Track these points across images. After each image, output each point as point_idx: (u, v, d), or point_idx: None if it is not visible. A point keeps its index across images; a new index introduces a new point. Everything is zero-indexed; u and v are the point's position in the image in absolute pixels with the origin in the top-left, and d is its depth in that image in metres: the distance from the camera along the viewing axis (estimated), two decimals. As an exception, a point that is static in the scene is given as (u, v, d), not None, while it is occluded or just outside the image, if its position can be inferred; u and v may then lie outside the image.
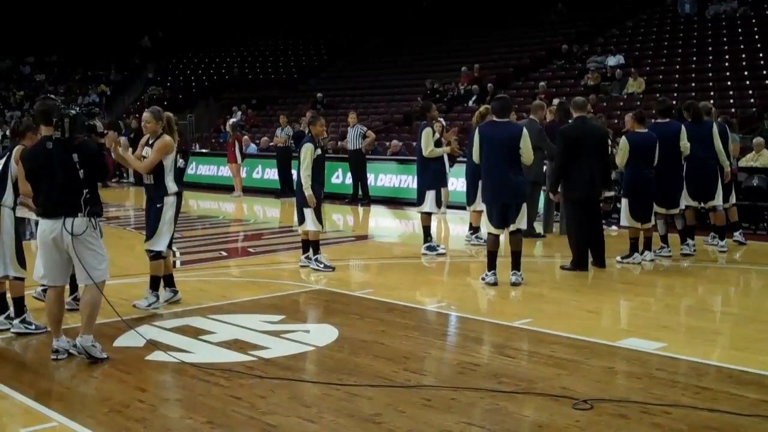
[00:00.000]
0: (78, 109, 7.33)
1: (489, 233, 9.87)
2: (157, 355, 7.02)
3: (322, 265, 10.67)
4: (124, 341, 7.42)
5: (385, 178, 20.06)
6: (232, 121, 24.70)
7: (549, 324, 7.91)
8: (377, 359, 6.92)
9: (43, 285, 8.50)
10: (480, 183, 10.34)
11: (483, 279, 9.81)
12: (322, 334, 7.71)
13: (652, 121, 11.52)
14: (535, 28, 31.83)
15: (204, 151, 27.82)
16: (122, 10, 41.19)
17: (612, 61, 25.04)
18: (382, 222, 17.66)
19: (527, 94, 24.32)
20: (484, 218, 10.04)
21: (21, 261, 7.92)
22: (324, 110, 28.49)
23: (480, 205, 10.98)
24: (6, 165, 7.86)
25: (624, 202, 11.16)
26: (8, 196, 7.84)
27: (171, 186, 8.52)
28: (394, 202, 19.18)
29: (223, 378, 6.41)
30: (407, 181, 19.26)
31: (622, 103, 21.79)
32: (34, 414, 5.83)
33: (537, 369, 6.59)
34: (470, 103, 26.13)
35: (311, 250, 10.81)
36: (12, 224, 7.87)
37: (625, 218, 11.17)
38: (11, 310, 8.05)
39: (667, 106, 11.72)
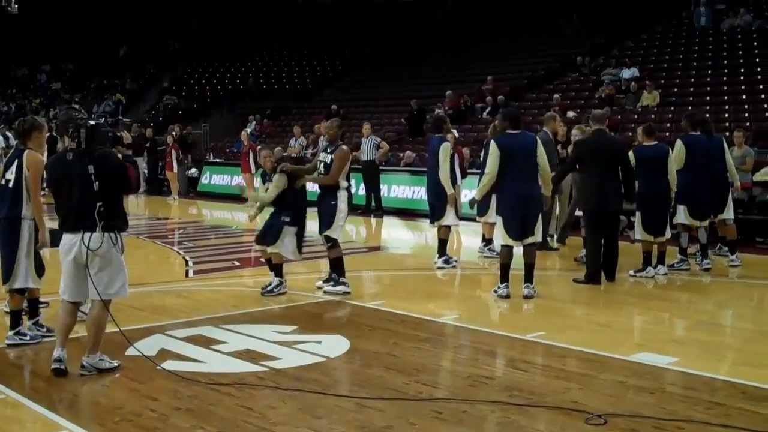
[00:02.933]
0: (103, 119, 7.20)
1: (503, 246, 9.83)
2: (169, 364, 7.02)
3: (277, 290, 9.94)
4: (136, 350, 7.41)
5: (398, 189, 20.07)
6: (247, 130, 24.79)
7: (561, 337, 7.88)
8: (389, 371, 6.91)
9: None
10: (494, 195, 10.36)
11: (495, 291, 9.79)
12: (333, 345, 7.70)
13: (696, 133, 11.59)
14: (549, 40, 31.80)
15: (218, 160, 27.89)
16: (139, 20, 41.41)
17: (627, 73, 24.97)
18: (395, 233, 17.65)
19: (541, 106, 24.28)
20: (499, 230, 9.91)
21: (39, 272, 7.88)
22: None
23: (492, 217, 10.96)
24: (19, 174, 7.57)
25: (637, 215, 11.13)
26: (26, 208, 7.62)
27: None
28: (407, 213, 19.18)
29: (234, 388, 6.41)
30: (420, 192, 19.23)
31: (636, 116, 21.73)
32: (46, 422, 5.84)
33: (549, 382, 6.57)
34: (484, 114, 26.13)
35: (276, 272, 10.03)
36: (31, 237, 7.67)
37: (638, 231, 11.13)
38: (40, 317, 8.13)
39: (699, 119, 11.84)
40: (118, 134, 8.42)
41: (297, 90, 36.95)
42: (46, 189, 7.35)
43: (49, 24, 41.19)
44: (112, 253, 6.72)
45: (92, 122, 6.83)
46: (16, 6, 40.13)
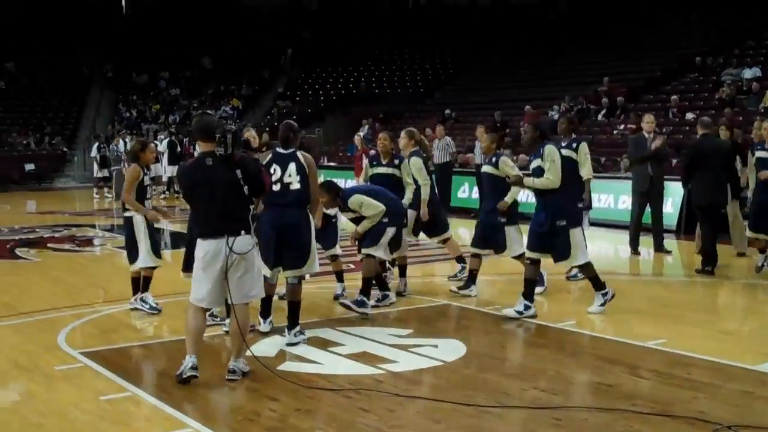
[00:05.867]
0: (234, 124, 7.27)
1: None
2: (288, 365, 7.12)
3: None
4: (257, 351, 7.49)
5: (511, 192, 19.85)
6: (360, 134, 24.95)
7: (684, 345, 7.67)
8: (506, 376, 6.85)
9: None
10: None
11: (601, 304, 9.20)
12: (449, 349, 7.67)
13: None
14: (667, 40, 31.07)
15: (332, 164, 28.21)
16: (254, 29, 42.23)
17: (748, 73, 24.21)
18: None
19: (659, 108, 23.77)
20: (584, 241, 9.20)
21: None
22: (452, 123, 28.56)
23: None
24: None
25: None
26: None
27: None
28: (521, 217, 18.93)
29: (352, 390, 6.45)
30: (532, 196, 19.09)
31: (758, 117, 21.00)
32: (171, 419, 5.98)
33: (672, 391, 6.40)
34: (599, 116, 25.72)
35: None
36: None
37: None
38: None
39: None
40: (246, 138, 8.52)
41: (409, 93, 37.11)
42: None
43: (168, 33, 42.38)
44: (254, 254, 6.77)
45: (233, 127, 6.81)
46: (126, 7, 41.61)
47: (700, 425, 5.55)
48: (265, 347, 7.70)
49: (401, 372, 6.96)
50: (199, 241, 6.73)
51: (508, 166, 10.08)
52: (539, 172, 8.91)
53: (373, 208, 9.08)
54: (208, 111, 7.77)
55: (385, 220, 9.10)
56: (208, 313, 8.22)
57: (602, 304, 9.05)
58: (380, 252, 9.18)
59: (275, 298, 8.79)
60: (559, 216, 8.84)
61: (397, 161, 10.09)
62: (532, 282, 8.99)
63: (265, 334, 8.20)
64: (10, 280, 12.15)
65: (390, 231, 9.14)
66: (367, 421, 5.80)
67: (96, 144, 29.41)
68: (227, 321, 7.72)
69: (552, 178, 8.79)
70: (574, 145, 10.81)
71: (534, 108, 27.47)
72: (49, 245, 15.66)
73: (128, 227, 9.42)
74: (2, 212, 24.15)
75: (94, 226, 19.88)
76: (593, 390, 6.45)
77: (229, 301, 6.78)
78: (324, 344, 7.87)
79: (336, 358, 7.45)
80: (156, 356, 7.89)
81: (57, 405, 6.32)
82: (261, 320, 8.35)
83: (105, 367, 7.22)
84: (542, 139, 9.08)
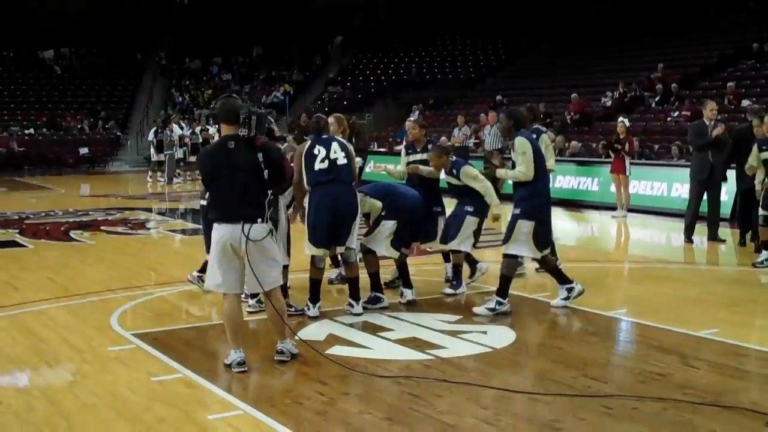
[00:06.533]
0: (262, 109, 7.29)
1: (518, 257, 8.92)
2: (337, 350, 7.14)
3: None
4: (305, 335, 7.56)
5: (563, 179, 19.76)
6: (411, 119, 24.93)
7: (737, 335, 7.56)
8: (555, 364, 6.81)
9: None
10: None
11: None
12: (499, 335, 7.65)
13: None
14: (723, 26, 30.54)
15: (382, 150, 28.23)
16: (305, 15, 42.36)
17: (807, 60, 23.75)
18: (560, 224, 17.31)
19: (715, 95, 23.39)
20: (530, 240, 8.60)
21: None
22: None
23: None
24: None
25: None
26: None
27: None
28: (573, 204, 18.88)
29: (401, 375, 6.46)
30: (586, 182, 19.00)
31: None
32: (221, 402, 6.04)
33: (724, 381, 6.31)
34: (653, 104, 25.38)
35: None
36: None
37: None
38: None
39: None
40: (270, 126, 8.52)
41: (460, 79, 36.93)
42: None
43: (220, 19, 42.69)
44: (271, 242, 6.67)
45: (259, 110, 6.72)
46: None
47: (752, 416, 5.48)
48: (313, 331, 7.75)
49: (450, 358, 6.95)
50: (215, 225, 6.63)
51: (470, 176, 9.36)
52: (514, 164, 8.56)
53: (368, 206, 8.86)
54: (234, 95, 7.58)
55: (383, 213, 8.83)
56: (254, 299, 8.33)
57: (491, 309, 8.45)
58: (377, 246, 8.85)
59: (324, 282, 8.87)
60: (517, 205, 8.50)
61: (430, 146, 10.00)
62: (556, 270, 8.84)
63: (314, 319, 8.24)
64: (65, 261, 12.35)
65: (387, 224, 8.78)
66: (415, 406, 5.81)
67: (153, 128, 29.63)
68: None
69: (524, 170, 8.37)
70: (534, 136, 10.00)
71: (587, 95, 27.21)
72: (102, 228, 15.89)
73: (204, 216, 9.46)
74: (57, 195, 24.57)
75: (150, 210, 20.12)
76: (644, 379, 6.38)
77: (258, 290, 6.80)
78: (373, 329, 7.90)
79: (385, 343, 7.46)
80: (207, 339, 7.96)
81: (109, 385, 6.42)
82: (310, 305, 8.39)
83: (157, 349, 7.32)
84: (517, 128, 8.60)
